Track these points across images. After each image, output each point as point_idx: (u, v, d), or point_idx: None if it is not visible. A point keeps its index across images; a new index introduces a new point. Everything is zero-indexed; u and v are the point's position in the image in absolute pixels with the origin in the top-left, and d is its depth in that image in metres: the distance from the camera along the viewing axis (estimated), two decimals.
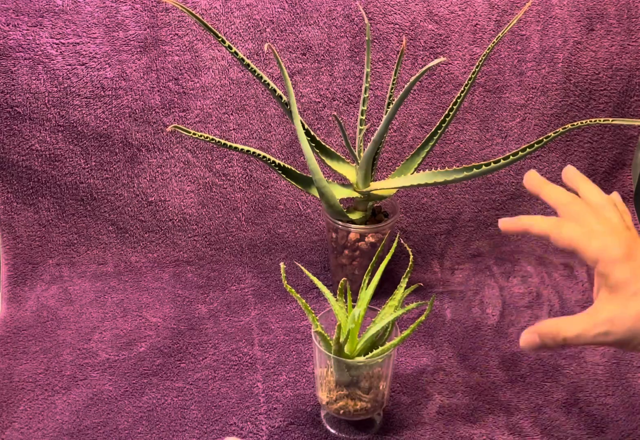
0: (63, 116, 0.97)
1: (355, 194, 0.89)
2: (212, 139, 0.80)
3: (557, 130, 0.76)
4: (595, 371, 0.84)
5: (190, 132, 0.78)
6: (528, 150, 0.76)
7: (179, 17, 0.97)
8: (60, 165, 0.98)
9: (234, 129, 1.01)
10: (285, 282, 0.65)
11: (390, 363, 0.70)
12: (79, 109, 0.97)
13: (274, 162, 0.84)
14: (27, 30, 0.94)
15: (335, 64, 1.00)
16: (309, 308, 0.67)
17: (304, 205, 1.02)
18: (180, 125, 0.79)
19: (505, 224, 0.54)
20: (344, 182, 0.91)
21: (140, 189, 1.00)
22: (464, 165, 0.80)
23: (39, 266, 0.98)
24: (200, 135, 0.79)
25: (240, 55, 0.78)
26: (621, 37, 1.00)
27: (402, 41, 0.99)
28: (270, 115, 1.00)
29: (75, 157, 0.98)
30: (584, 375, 0.83)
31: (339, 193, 0.89)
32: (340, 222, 0.86)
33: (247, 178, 1.01)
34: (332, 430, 0.74)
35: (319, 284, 0.71)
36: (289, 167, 0.87)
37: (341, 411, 0.70)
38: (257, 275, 0.99)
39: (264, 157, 0.83)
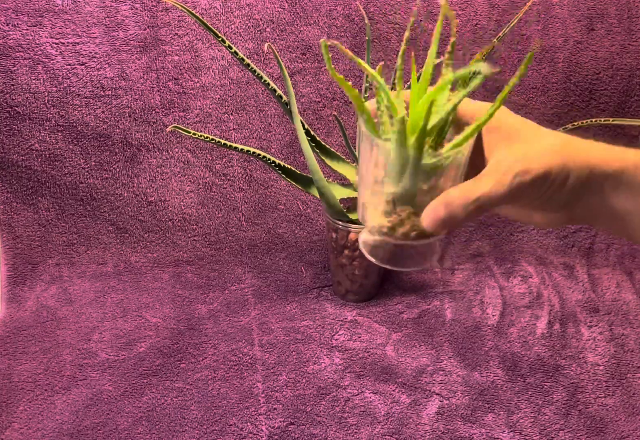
0: (63, 116, 0.96)
1: (355, 194, 0.88)
2: (212, 139, 0.80)
3: (558, 130, 0.75)
4: (595, 371, 0.84)
5: (190, 132, 0.78)
6: None
7: (178, 16, 0.96)
8: (60, 165, 0.98)
9: (234, 129, 1.01)
10: (330, 64, 0.41)
11: (463, 163, 0.46)
12: (78, 109, 0.96)
13: (274, 162, 0.84)
14: (27, 30, 0.94)
15: (335, 64, 1.00)
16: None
17: (304, 205, 1.02)
18: (180, 125, 0.78)
19: None
20: (344, 182, 0.91)
21: (140, 189, 1.00)
22: None
23: (38, 266, 0.98)
24: (200, 135, 0.79)
25: (240, 55, 0.78)
26: (621, 36, 1.00)
27: (402, 41, 0.99)
28: (270, 115, 1.00)
29: (75, 157, 0.98)
30: (584, 376, 0.83)
31: (339, 193, 0.88)
32: (340, 222, 0.86)
33: (247, 178, 1.01)
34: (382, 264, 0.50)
35: (362, 63, 0.42)
36: (289, 167, 0.87)
37: (413, 233, 0.47)
38: (257, 275, 0.98)
39: (264, 157, 0.83)
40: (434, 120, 0.45)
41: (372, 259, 0.49)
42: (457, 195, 0.43)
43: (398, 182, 0.45)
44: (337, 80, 0.41)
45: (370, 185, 0.47)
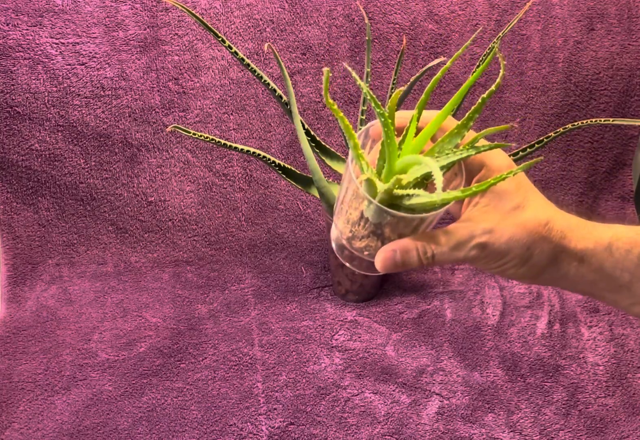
0: (63, 116, 0.96)
1: None
2: (212, 139, 0.80)
3: (558, 130, 0.75)
4: (595, 371, 0.84)
5: (190, 132, 0.78)
6: (528, 150, 0.76)
7: (178, 16, 0.96)
8: (60, 165, 0.98)
9: (234, 129, 1.01)
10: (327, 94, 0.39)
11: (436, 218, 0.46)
12: (78, 109, 0.97)
13: (274, 162, 0.84)
14: (27, 30, 0.94)
15: (335, 63, 1.00)
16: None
17: (304, 205, 1.02)
18: (180, 125, 0.78)
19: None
20: None
21: (140, 189, 1.00)
22: None
23: (38, 266, 0.98)
24: (200, 135, 0.79)
25: (240, 55, 0.78)
26: (622, 36, 1.00)
27: (402, 41, 0.99)
28: (270, 115, 1.00)
29: (75, 157, 0.98)
30: (584, 376, 0.83)
31: None
32: None
33: (247, 178, 1.01)
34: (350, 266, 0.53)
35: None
36: (289, 167, 0.86)
37: (365, 253, 0.48)
38: (257, 275, 0.98)
39: (264, 157, 0.83)
40: (419, 172, 0.43)
41: (334, 249, 0.50)
42: (417, 246, 0.44)
43: (368, 213, 0.45)
44: (330, 108, 0.39)
45: (349, 193, 0.46)
